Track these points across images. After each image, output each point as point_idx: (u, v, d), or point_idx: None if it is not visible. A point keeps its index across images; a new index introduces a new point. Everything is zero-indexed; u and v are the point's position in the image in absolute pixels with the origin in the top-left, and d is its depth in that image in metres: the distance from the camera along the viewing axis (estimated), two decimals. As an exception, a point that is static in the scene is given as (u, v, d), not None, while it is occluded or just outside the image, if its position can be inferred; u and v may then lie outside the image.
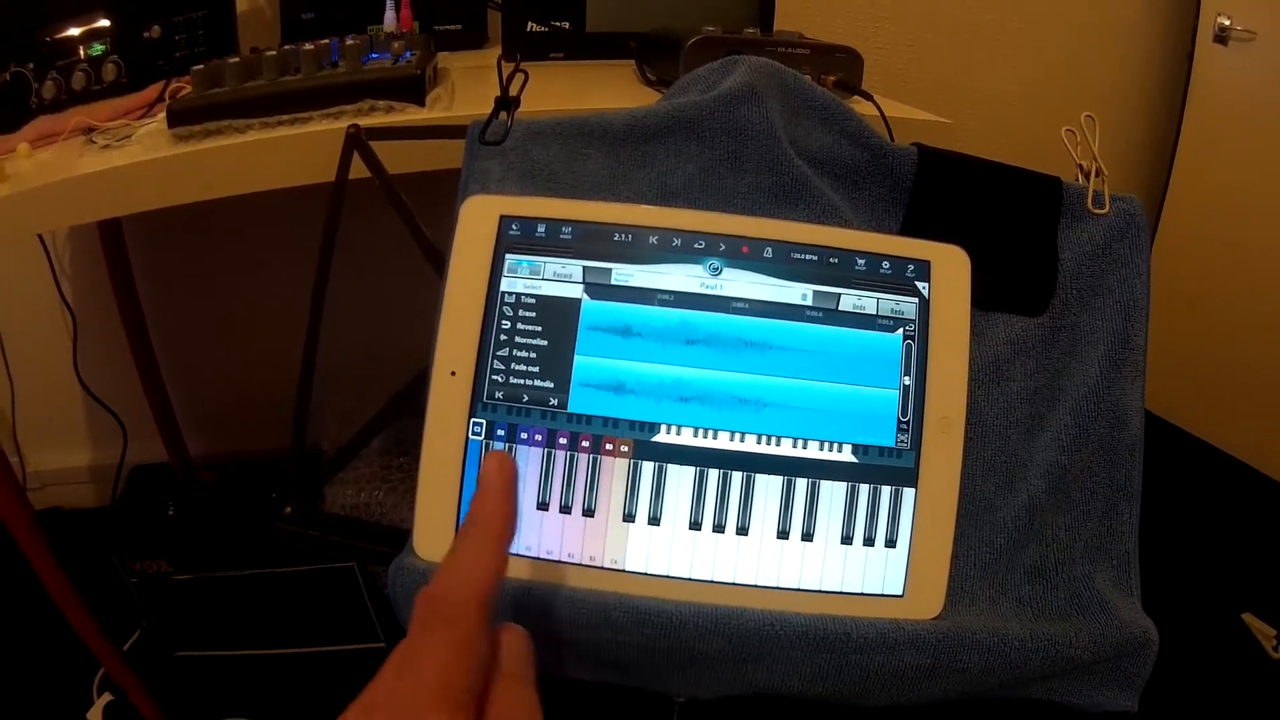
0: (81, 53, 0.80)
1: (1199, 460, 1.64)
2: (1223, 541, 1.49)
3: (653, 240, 0.45)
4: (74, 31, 0.80)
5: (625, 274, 0.45)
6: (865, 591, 0.44)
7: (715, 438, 0.44)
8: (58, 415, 1.48)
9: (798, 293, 0.45)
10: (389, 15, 0.87)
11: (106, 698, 1.17)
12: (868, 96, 0.69)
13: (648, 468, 0.43)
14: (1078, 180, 0.51)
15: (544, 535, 0.43)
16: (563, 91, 0.82)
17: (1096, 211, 0.50)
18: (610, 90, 0.84)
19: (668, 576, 0.43)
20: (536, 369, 0.44)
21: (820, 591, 0.43)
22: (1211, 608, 1.36)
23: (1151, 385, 0.50)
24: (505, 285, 0.45)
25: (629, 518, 0.43)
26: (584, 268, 0.45)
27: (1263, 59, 1.48)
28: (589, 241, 0.45)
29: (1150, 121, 1.70)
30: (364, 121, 0.62)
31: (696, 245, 0.45)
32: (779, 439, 0.44)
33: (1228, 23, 1.49)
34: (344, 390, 0.88)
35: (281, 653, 1.21)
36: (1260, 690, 1.25)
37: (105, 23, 0.82)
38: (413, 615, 0.30)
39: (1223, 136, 1.57)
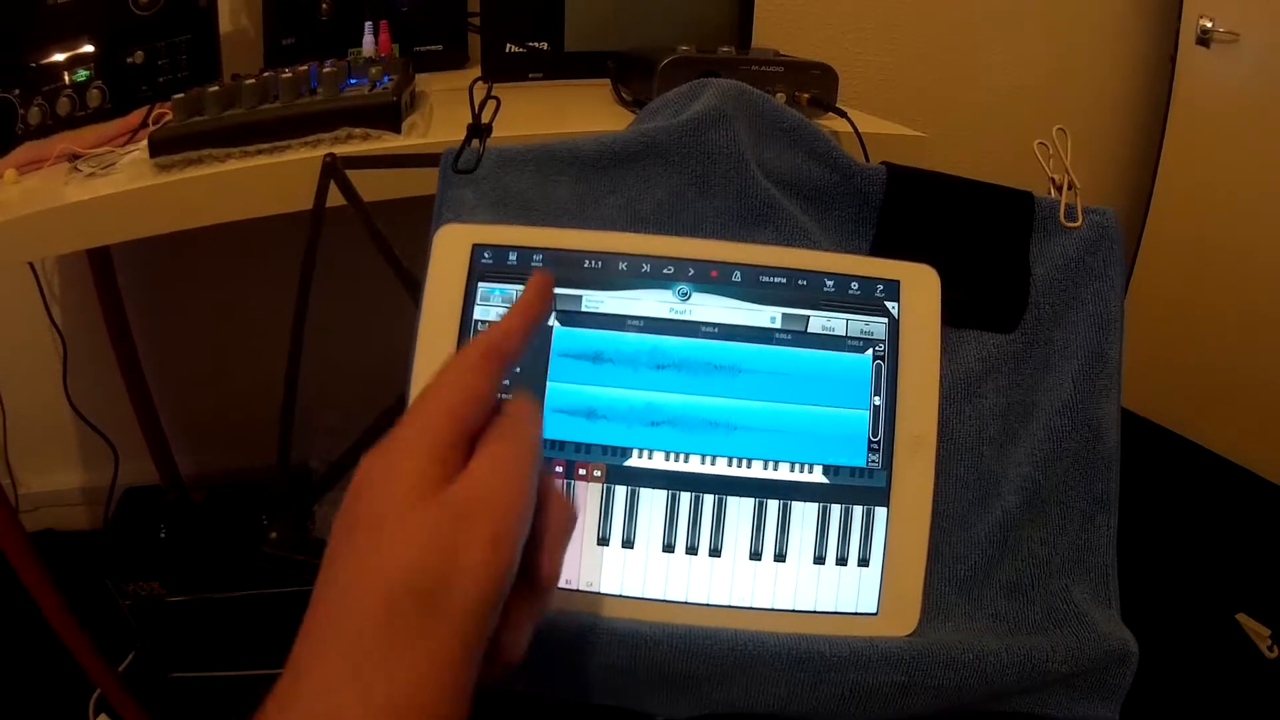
0: (66, 78, 0.81)
1: (1191, 461, 1.64)
2: (1216, 542, 1.49)
3: (622, 266, 0.45)
4: (59, 57, 0.81)
5: (596, 300, 0.45)
6: (839, 610, 0.44)
7: (687, 461, 0.44)
8: (49, 438, 1.48)
9: (767, 315, 0.45)
10: (368, 39, 0.88)
11: (103, 719, 1.17)
12: (841, 113, 0.69)
13: (620, 491, 0.44)
14: (1051, 194, 0.52)
15: (519, 560, 0.44)
16: (540, 112, 0.82)
17: (1069, 225, 0.51)
18: (587, 110, 0.84)
19: (642, 598, 0.44)
20: (509, 396, 0.44)
21: (794, 611, 0.44)
22: (1205, 608, 1.36)
23: (1141, 388, 0.50)
24: (478, 313, 0.45)
25: (603, 541, 0.44)
26: (555, 295, 0.45)
27: (1246, 61, 1.49)
28: (559, 268, 0.45)
29: (1134, 125, 1.70)
30: (341, 149, 0.63)
31: (666, 271, 0.45)
32: (750, 461, 0.44)
33: (1210, 25, 1.50)
34: (332, 408, 0.89)
35: (276, 673, 1.21)
36: (1254, 690, 1.25)
37: (90, 48, 0.82)
38: None
39: (1207, 139, 1.57)
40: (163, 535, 1.14)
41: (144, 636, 1.20)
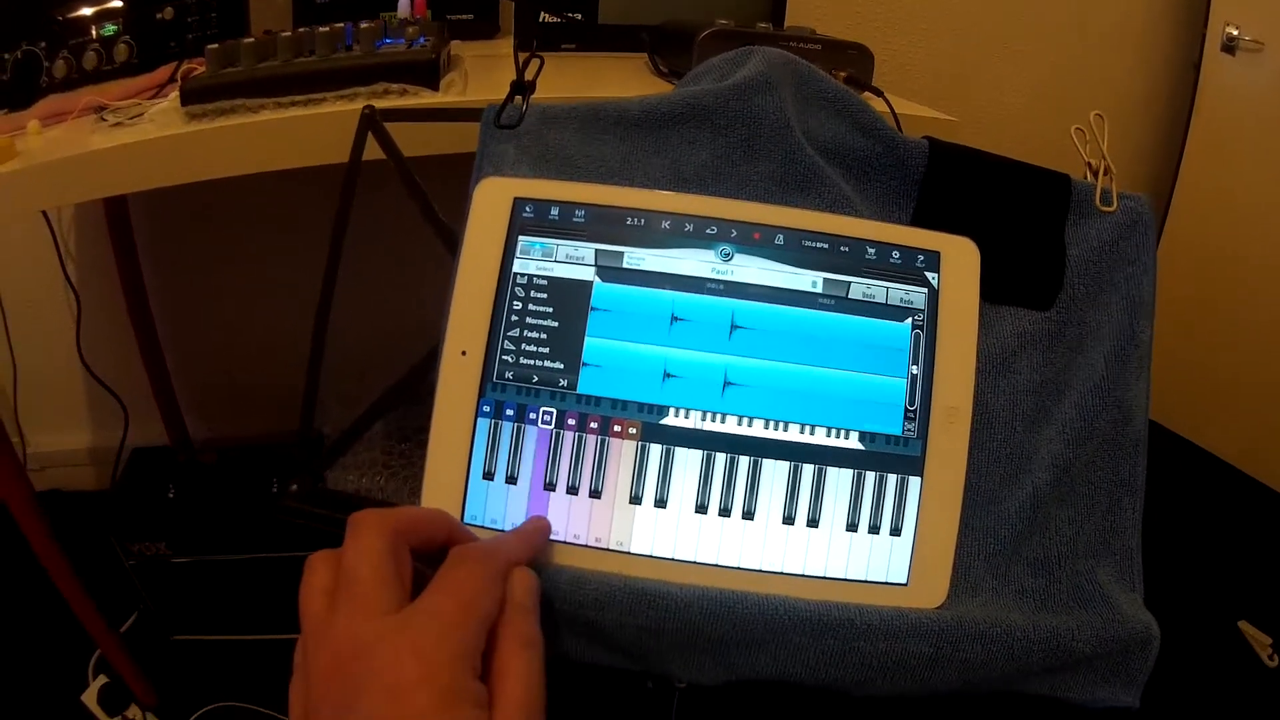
0: (93, 32, 0.80)
1: (1197, 467, 1.64)
2: (1220, 549, 1.50)
3: (665, 225, 0.45)
4: (86, 11, 0.80)
5: (637, 258, 0.45)
6: (869, 579, 0.44)
7: (723, 422, 0.44)
8: (60, 396, 1.47)
9: (808, 280, 0.45)
10: (403, 1, 0.88)
11: (102, 680, 1.17)
12: (878, 93, 0.69)
13: (655, 450, 0.44)
14: (1086, 178, 0.52)
15: (550, 516, 0.43)
16: (574, 82, 0.82)
17: (1104, 209, 0.50)
18: (622, 81, 0.84)
19: (673, 559, 0.43)
20: (547, 350, 0.44)
21: (825, 578, 0.44)
22: (1207, 615, 1.36)
23: (1152, 391, 0.50)
24: (518, 266, 0.45)
25: (636, 500, 0.44)
26: (596, 250, 0.45)
27: (1271, 69, 1.48)
28: (602, 225, 0.45)
29: (1157, 129, 1.70)
30: (378, 103, 0.62)
31: (709, 231, 0.45)
32: (786, 424, 0.44)
33: (1236, 33, 1.50)
34: (346, 375, 0.88)
35: (278, 638, 1.21)
36: (1255, 698, 1.25)
37: (118, 3, 0.82)
38: (447, 558, 0.37)
39: (1229, 146, 1.57)
40: (171, 496, 1.14)
41: (147, 597, 1.20)
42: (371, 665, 0.31)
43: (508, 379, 0.44)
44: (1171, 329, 1.63)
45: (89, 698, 1.15)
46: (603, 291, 0.44)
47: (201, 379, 1.50)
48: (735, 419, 0.44)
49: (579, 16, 0.91)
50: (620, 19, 0.92)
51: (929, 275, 0.46)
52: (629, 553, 0.43)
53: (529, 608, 0.37)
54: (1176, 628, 1.28)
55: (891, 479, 0.44)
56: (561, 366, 0.44)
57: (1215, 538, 1.52)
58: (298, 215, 1.20)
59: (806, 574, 0.44)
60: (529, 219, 0.45)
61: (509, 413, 0.44)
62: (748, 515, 0.44)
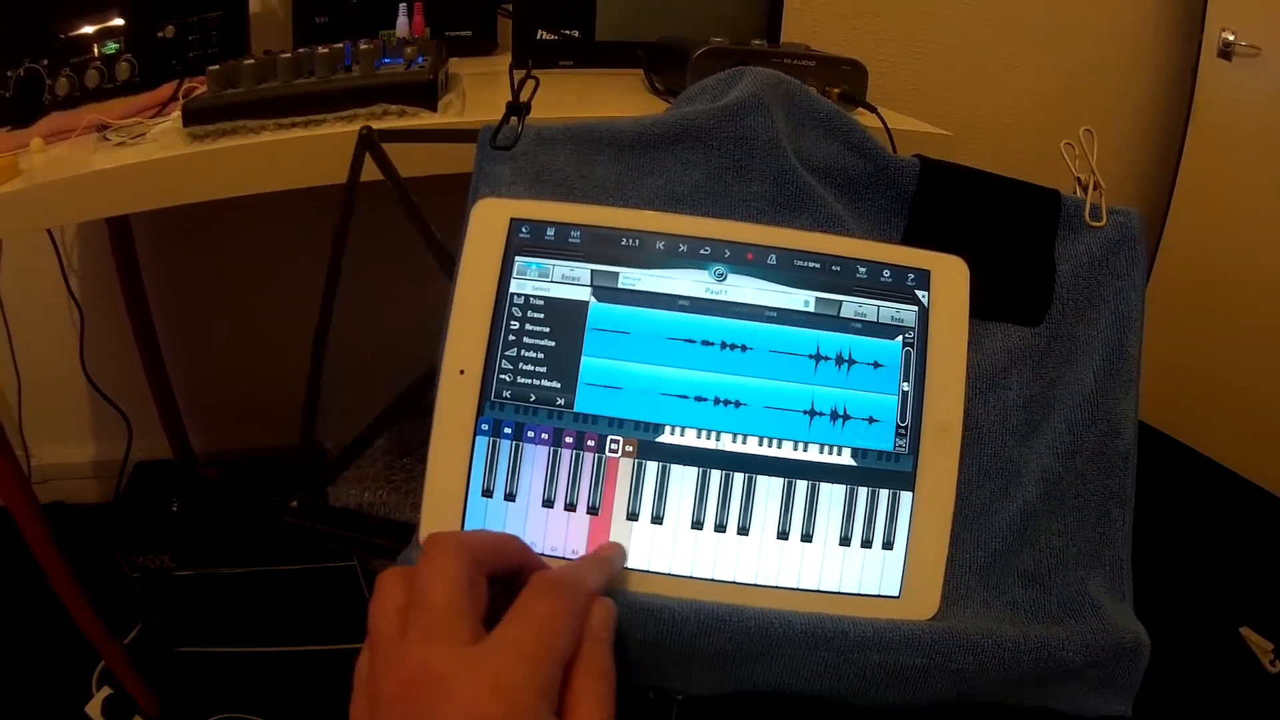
0: (95, 50, 0.81)
1: (1198, 474, 1.64)
2: (1221, 555, 1.50)
3: (659, 245, 0.46)
4: (88, 29, 0.81)
5: (632, 278, 0.46)
6: (862, 592, 0.45)
7: (718, 439, 0.44)
8: (63, 410, 1.48)
9: (800, 299, 0.46)
10: (401, 20, 0.89)
11: (106, 691, 1.17)
12: (872, 108, 0.70)
13: (651, 467, 0.44)
14: (1076, 193, 0.52)
15: (548, 532, 0.44)
16: (571, 99, 0.83)
17: (1094, 224, 0.51)
18: (618, 99, 0.85)
19: (670, 574, 0.44)
20: (544, 369, 0.45)
21: (818, 591, 0.44)
22: (1209, 621, 1.36)
23: (1152, 398, 0.50)
24: (515, 287, 0.46)
25: (633, 516, 0.44)
26: (592, 271, 0.46)
27: (1267, 75, 1.49)
28: (597, 245, 0.46)
29: (1154, 136, 1.71)
30: (376, 124, 0.63)
31: (702, 251, 0.46)
32: (780, 441, 0.45)
33: (1232, 38, 1.50)
34: (348, 390, 0.89)
35: (280, 650, 1.22)
36: (1257, 704, 1.25)
37: (119, 21, 0.83)
38: (527, 587, 0.36)
39: (1226, 151, 1.58)
40: (174, 509, 1.15)
41: (151, 610, 1.20)
42: (448, 697, 0.31)
43: (505, 398, 0.45)
44: (1169, 334, 1.63)
45: (93, 709, 1.16)
46: (599, 311, 0.45)
47: (204, 392, 1.51)
48: (730, 436, 0.45)
49: (576, 34, 0.92)
50: (617, 36, 0.93)
51: (919, 293, 0.47)
52: (626, 568, 0.44)
53: (606, 639, 0.37)
54: (1178, 634, 1.28)
55: (883, 494, 0.45)
56: (559, 385, 0.45)
57: (1216, 544, 1.52)
58: (300, 229, 1.21)
59: (801, 588, 0.44)
60: (525, 240, 0.46)
61: (507, 431, 0.45)
62: (743, 531, 0.44)
